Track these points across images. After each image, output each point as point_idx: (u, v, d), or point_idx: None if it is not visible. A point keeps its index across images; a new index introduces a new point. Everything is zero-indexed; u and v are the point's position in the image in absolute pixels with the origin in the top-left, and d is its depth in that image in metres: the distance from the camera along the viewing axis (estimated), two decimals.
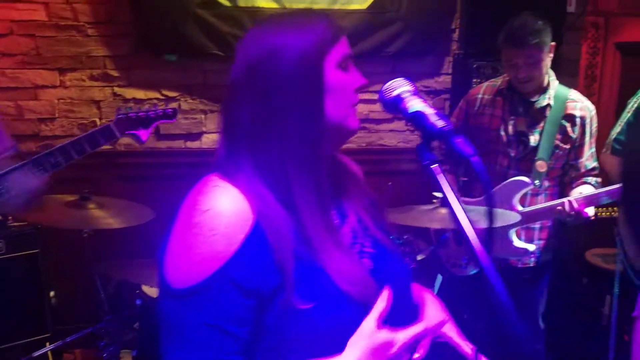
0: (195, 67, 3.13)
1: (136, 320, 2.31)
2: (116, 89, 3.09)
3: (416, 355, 0.97)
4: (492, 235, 0.81)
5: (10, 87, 2.97)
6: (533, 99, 2.34)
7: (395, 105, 0.98)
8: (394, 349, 0.90)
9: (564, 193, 2.41)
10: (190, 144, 3.23)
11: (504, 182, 2.36)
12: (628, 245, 2.53)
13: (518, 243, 2.38)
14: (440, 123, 0.89)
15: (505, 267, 2.45)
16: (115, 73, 3.07)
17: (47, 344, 2.56)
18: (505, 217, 2.16)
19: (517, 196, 2.34)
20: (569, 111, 2.33)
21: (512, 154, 2.38)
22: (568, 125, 2.33)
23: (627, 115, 2.41)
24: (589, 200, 2.23)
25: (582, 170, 2.38)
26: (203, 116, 3.21)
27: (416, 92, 0.97)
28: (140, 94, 3.10)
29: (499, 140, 2.39)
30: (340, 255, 0.97)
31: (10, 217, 2.56)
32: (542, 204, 2.37)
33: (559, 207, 2.26)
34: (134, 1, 2.95)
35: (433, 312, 1.18)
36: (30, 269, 2.60)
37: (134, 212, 2.22)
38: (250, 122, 0.96)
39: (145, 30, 3.00)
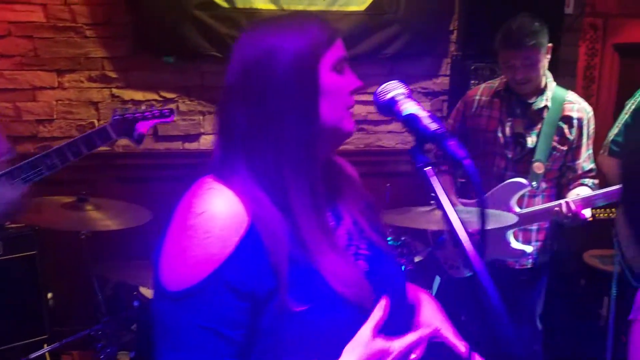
0: (193, 69, 3.13)
1: (134, 321, 2.31)
2: (114, 91, 3.09)
3: (413, 356, 0.97)
4: (485, 238, 0.81)
5: (9, 88, 2.97)
6: (530, 101, 2.34)
7: (389, 108, 0.98)
8: (390, 358, 0.91)
9: (561, 195, 2.41)
10: (188, 146, 3.23)
11: (502, 184, 2.36)
12: (626, 246, 2.53)
13: (515, 244, 2.38)
14: (433, 126, 0.89)
15: (502, 269, 2.45)
16: (113, 74, 3.07)
17: (45, 345, 2.56)
18: (502, 218, 2.16)
19: (515, 198, 2.34)
20: (566, 113, 2.33)
21: (510, 156, 2.38)
22: (565, 126, 2.33)
23: (624, 116, 2.42)
24: (586, 202, 2.23)
25: (579, 171, 2.38)
26: (201, 117, 3.21)
27: (410, 95, 0.97)
28: (138, 95, 3.10)
29: (496, 141, 2.39)
30: (335, 257, 0.97)
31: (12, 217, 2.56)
32: (539, 205, 2.37)
33: (557, 209, 2.26)
34: (132, 2, 2.95)
35: (429, 312, 1.19)
36: (27, 270, 2.60)
37: (131, 213, 2.23)
38: (246, 125, 0.96)
39: (144, 32, 3.00)
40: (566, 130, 2.33)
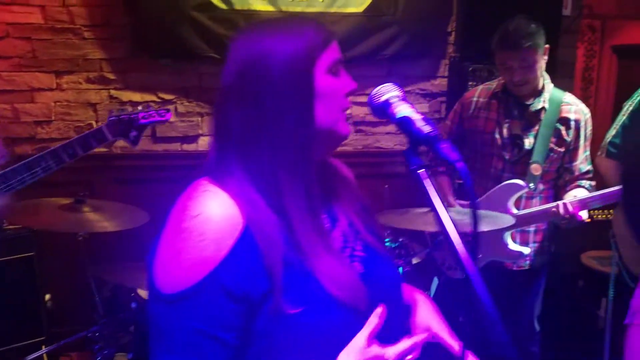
0: (191, 70, 3.14)
1: (132, 323, 2.31)
2: (112, 92, 3.09)
3: (408, 357, 0.98)
4: (477, 241, 0.81)
5: (7, 89, 2.97)
6: (528, 102, 2.35)
7: (383, 110, 0.98)
8: None
9: (558, 196, 2.41)
10: (187, 147, 3.23)
11: (499, 185, 2.37)
12: (623, 247, 2.54)
13: (513, 246, 2.38)
14: (426, 128, 0.90)
15: (500, 270, 2.45)
16: (111, 76, 3.08)
17: (43, 346, 2.57)
18: (499, 220, 2.16)
19: (512, 199, 2.34)
20: (564, 114, 2.34)
21: (507, 157, 2.38)
22: (563, 128, 2.33)
23: (622, 118, 2.42)
24: (583, 204, 2.23)
25: (576, 173, 2.38)
26: (199, 119, 3.21)
27: (404, 98, 0.98)
28: (136, 96, 3.11)
29: (494, 143, 2.39)
30: (330, 259, 0.97)
31: (4, 220, 2.55)
32: (536, 207, 2.37)
33: (554, 210, 2.26)
34: (130, 4, 2.96)
35: (425, 313, 1.19)
36: (25, 272, 2.60)
37: (129, 215, 2.22)
38: (241, 127, 0.96)
39: (142, 33, 3.00)
40: (563, 132, 2.34)
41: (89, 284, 2.24)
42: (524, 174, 2.35)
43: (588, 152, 2.40)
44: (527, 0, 2.83)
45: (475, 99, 2.48)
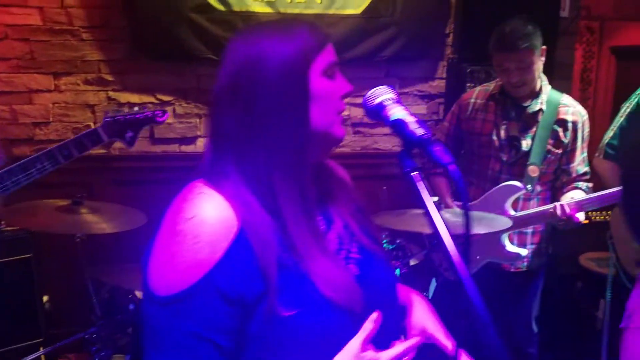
0: (189, 72, 3.14)
1: (129, 325, 2.31)
2: (111, 93, 3.10)
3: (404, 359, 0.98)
4: (469, 244, 0.81)
5: (5, 91, 2.98)
6: (525, 104, 2.35)
7: (377, 113, 0.98)
8: None
9: (555, 198, 2.41)
10: (185, 148, 3.23)
11: (496, 187, 2.37)
12: (621, 249, 2.54)
13: (510, 247, 2.38)
14: (419, 131, 0.90)
15: (498, 272, 2.45)
16: (109, 77, 3.08)
17: (41, 348, 2.56)
18: (497, 223, 2.16)
19: (510, 201, 2.34)
20: (561, 116, 2.34)
21: (504, 159, 2.38)
22: (560, 130, 2.34)
23: (619, 119, 2.42)
24: (580, 205, 2.23)
25: (574, 175, 2.38)
26: (198, 120, 3.21)
27: (398, 100, 0.98)
28: (134, 98, 3.11)
29: (491, 144, 2.39)
30: (325, 261, 0.97)
31: (2, 222, 2.56)
32: (534, 208, 2.37)
33: (551, 211, 2.26)
34: (128, 6, 2.96)
35: (420, 314, 1.19)
36: (23, 273, 2.60)
37: (127, 216, 2.22)
38: (236, 129, 0.96)
39: (140, 35, 3.00)
40: (561, 134, 2.34)
41: (86, 285, 2.25)
42: (521, 175, 2.35)
43: (585, 154, 2.40)
44: (525, 1, 2.85)
45: (472, 100, 2.48)
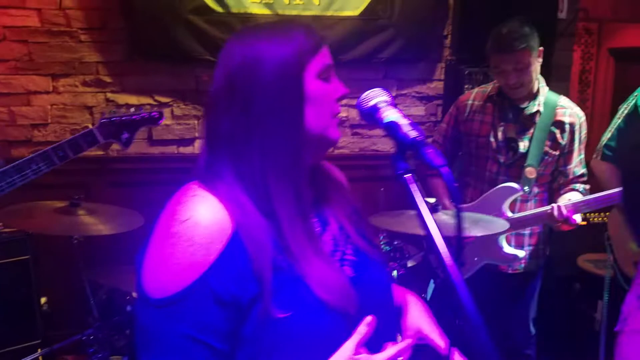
0: (187, 73, 3.14)
1: (127, 326, 2.31)
2: (109, 95, 3.10)
3: (400, 359, 0.98)
4: (461, 246, 0.81)
5: (3, 92, 2.98)
6: (523, 105, 2.35)
7: (371, 115, 0.99)
8: None
9: (553, 199, 2.41)
10: (183, 150, 3.24)
11: (494, 189, 2.37)
12: (618, 250, 2.54)
13: (508, 249, 2.38)
14: (413, 133, 0.90)
15: (495, 273, 2.45)
16: (108, 79, 3.08)
17: (38, 350, 2.56)
18: (494, 225, 2.16)
19: (507, 202, 2.34)
20: (559, 118, 2.34)
21: (502, 160, 2.39)
22: (557, 131, 2.34)
23: (617, 121, 2.42)
24: (577, 207, 2.23)
25: (571, 176, 2.38)
26: (196, 122, 3.21)
27: (392, 103, 0.98)
28: (132, 99, 3.11)
29: (489, 146, 2.39)
30: (320, 263, 0.97)
31: (0, 224, 2.56)
32: (531, 210, 2.37)
33: (548, 213, 2.26)
34: (127, 7, 2.96)
35: (415, 314, 1.19)
36: (20, 275, 2.60)
37: (124, 218, 2.22)
38: (231, 131, 0.96)
39: (138, 36, 3.01)
40: (558, 135, 2.34)
41: (84, 287, 2.25)
42: (518, 177, 2.35)
43: (582, 156, 2.40)
44: (523, 3, 2.85)
45: (470, 102, 2.48)
